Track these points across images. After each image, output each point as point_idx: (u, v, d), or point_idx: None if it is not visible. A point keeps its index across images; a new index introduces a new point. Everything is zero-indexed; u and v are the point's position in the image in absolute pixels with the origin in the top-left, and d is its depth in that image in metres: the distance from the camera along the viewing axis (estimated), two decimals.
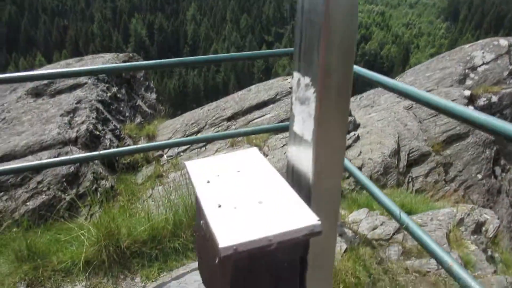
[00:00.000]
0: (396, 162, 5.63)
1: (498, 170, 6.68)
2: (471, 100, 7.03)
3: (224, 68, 72.92)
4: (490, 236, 4.88)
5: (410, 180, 5.66)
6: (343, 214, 4.27)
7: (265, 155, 4.98)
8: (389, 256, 3.62)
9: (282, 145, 5.08)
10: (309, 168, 1.27)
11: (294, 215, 1.12)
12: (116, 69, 3.77)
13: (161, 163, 5.46)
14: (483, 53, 8.03)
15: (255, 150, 1.52)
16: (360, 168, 5.44)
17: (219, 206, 1.16)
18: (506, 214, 6.61)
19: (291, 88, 6.29)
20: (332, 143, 1.29)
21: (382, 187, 5.40)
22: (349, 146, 5.87)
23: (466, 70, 7.38)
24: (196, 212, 1.44)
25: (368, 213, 4.26)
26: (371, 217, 4.12)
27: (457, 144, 6.42)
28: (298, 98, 1.38)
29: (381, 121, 6.60)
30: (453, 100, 6.93)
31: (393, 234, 3.88)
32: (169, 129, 6.05)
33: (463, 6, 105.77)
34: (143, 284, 3.33)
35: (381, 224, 4.03)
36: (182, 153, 5.51)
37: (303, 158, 1.31)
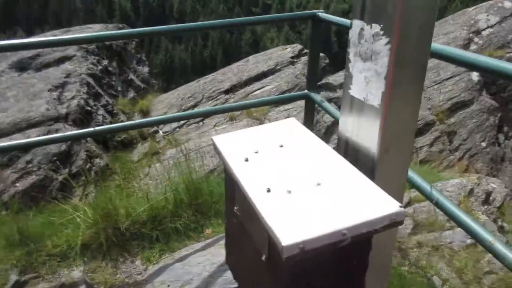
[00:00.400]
0: None
1: (501, 137, 6.53)
2: None
3: (211, 42, 71.40)
4: (498, 205, 4.76)
5: (415, 150, 5.49)
6: None
7: None
8: (401, 231, 3.47)
9: (283, 117, 4.85)
10: (375, 140, 1.03)
11: (367, 201, 0.88)
12: (116, 36, 3.47)
13: (157, 140, 5.22)
14: (487, 16, 7.75)
15: (293, 120, 1.30)
16: None
17: (268, 191, 0.92)
18: (509, 182, 6.52)
19: (291, 57, 6.01)
20: (406, 108, 1.04)
21: None
22: None
23: (471, 35, 7.12)
24: (227, 195, 1.22)
25: None
26: None
27: (462, 112, 6.24)
28: (359, 53, 1.11)
29: None
30: (455, 67, 6.70)
31: (404, 207, 3.73)
32: (164, 104, 5.78)
33: None
34: (144, 267, 3.16)
35: None
36: (178, 129, 5.27)
37: (366, 128, 1.07)
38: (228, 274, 2.84)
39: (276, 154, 1.09)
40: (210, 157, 4.12)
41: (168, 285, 2.85)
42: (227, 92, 5.36)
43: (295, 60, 5.76)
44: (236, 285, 2.78)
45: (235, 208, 1.12)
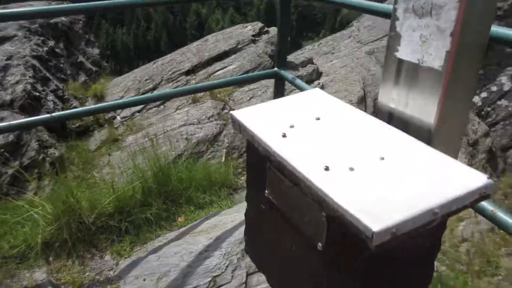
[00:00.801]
0: (364, 109, 5.46)
1: None
2: None
3: (154, 25, 68.77)
4: None
5: None
6: None
7: (232, 109, 4.59)
8: None
9: (248, 98, 4.70)
10: (433, 109, 0.90)
11: (448, 175, 0.76)
12: (55, 11, 3.11)
13: (115, 126, 4.90)
14: None
15: (318, 90, 1.15)
16: None
17: (327, 169, 0.77)
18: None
19: (253, 35, 5.83)
20: (470, 68, 0.90)
21: None
22: None
23: None
24: (251, 178, 1.06)
25: None
26: None
27: None
28: (412, 8, 0.94)
29: (344, 68, 6.36)
30: None
31: None
32: (119, 88, 5.43)
33: None
34: (115, 261, 2.95)
35: None
36: (138, 114, 4.97)
37: (420, 96, 0.93)
38: (208, 262, 2.70)
39: (316, 128, 0.94)
40: (175, 142, 3.91)
41: (144, 279, 2.66)
42: (187, 73, 5.11)
43: (257, 38, 5.59)
44: (218, 272, 2.65)
45: (266, 192, 0.97)
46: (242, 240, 2.82)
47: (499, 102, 7.29)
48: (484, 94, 7.31)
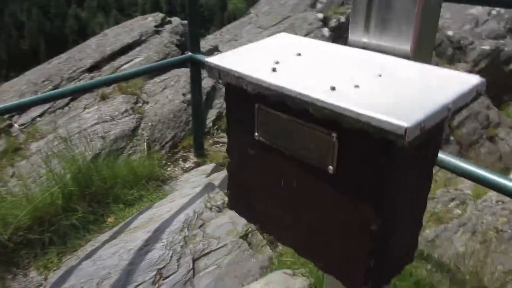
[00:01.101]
0: None
1: None
2: (324, 22, 7.37)
3: (28, 33, 62.62)
4: None
5: None
6: None
7: (145, 102, 4.40)
8: None
9: (161, 89, 4.55)
10: (408, 35, 0.91)
11: (446, 79, 0.79)
12: None
13: (13, 135, 4.41)
14: None
15: (285, 34, 1.12)
16: None
17: (333, 89, 0.76)
18: None
19: (155, 26, 5.62)
20: None
21: None
22: None
23: None
24: (234, 127, 1.00)
25: None
26: None
27: None
28: None
29: None
30: (309, 24, 7.18)
31: None
32: (11, 93, 4.88)
33: None
34: (42, 276, 2.68)
35: None
36: (38, 118, 4.53)
37: (394, 24, 0.93)
38: (151, 256, 2.58)
39: (302, 61, 0.93)
40: (90, 141, 3.64)
41: (82, 287, 2.46)
42: (91, 69, 4.76)
43: (160, 29, 5.42)
44: (163, 264, 2.54)
45: (256, 135, 0.94)
46: (183, 227, 2.74)
47: None
48: None
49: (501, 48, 11.73)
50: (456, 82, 0.75)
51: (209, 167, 3.57)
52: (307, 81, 0.80)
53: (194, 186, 3.15)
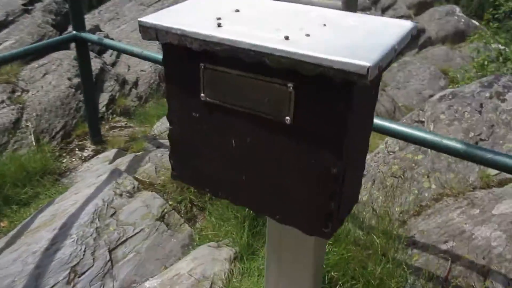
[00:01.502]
0: None
1: None
2: None
3: None
4: None
5: None
6: None
7: (24, 91, 3.92)
8: None
9: (42, 75, 4.08)
10: None
11: (385, 24, 0.82)
12: None
13: None
14: None
15: None
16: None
17: (287, 38, 0.72)
18: None
19: (23, 4, 4.97)
20: None
21: None
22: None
23: None
24: (175, 90, 0.92)
25: None
26: None
27: None
28: None
29: (135, 32, 6.12)
30: None
31: None
32: None
33: None
34: None
35: None
36: None
37: None
38: (61, 255, 2.37)
39: (244, 16, 0.88)
40: None
41: None
42: None
43: (30, 7, 4.81)
44: (76, 261, 2.35)
45: (202, 95, 0.89)
46: (93, 219, 2.55)
47: None
48: None
49: None
50: (395, 26, 0.81)
51: (110, 153, 3.36)
52: (258, 34, 0.78)
53: (98, 174, 2.94)
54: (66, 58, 4.26)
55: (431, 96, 11.96)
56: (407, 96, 11.68)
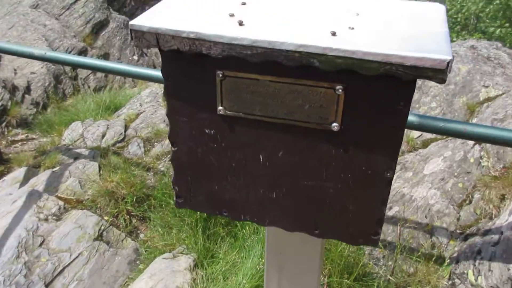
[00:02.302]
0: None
1: (146, 49, 6.97)
2: None
3: None
4: None
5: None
6: None
7: None
8: None
9: None
10: None
11: (417, 9, 0.73)
12: None
13: None
14: None
15: None
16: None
17: (334, 34, 0.60)
18: None
19: None
20: None
21: None
22: None
23: None
24: (184, 103, 0.73)
25: None
26: None
27: (103, 32, 6.17)
28: None
29: (14, 29, 5.36)
30: None
31: None
32: None
33: None
34: None
35: None
36: None
37: None
38: None
39: (258, 10, 0.73)
40: None
41: None
42: None
43: None
44: None
45: (220, 108, 0.73)
46: (19, 253, 2.21)
47: None
48: None
49: None
50: (433, 11, 0.75)
51: (19, 172, 2.92)
52: (298, 31, 0.66)
53: (12, 200, 2.54)
54: None
55: None
56: None
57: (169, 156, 3.43)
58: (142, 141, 3.46)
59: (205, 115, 0.76)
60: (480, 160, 2.48)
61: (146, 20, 0.72)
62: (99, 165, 2.93)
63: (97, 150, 3.20)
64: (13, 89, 4.16)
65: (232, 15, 0.72)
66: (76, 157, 3.13)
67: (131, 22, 0.72)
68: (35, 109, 4.16)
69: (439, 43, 0.62)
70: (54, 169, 2.83)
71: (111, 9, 6.59)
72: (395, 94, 0.65)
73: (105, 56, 5.83)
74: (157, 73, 2.12)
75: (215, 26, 0.68)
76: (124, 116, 3.81)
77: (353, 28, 0.66)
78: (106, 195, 2.55)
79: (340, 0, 0.80)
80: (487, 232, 2.11)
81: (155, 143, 3.50)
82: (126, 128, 3.58)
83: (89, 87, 5.07)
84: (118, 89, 5.38)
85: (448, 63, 0.58)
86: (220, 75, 0.72)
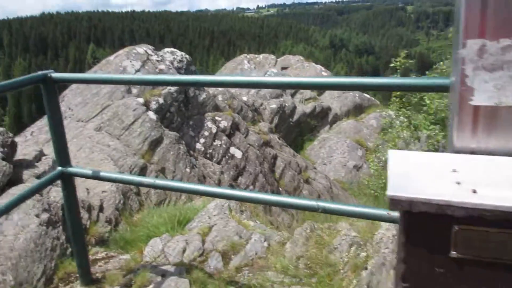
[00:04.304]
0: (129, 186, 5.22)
1: (195, 160, 7.39)
2: (146, 106, 7.36)
3: None
4: None
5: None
6: None
7: None
8: None
9: (5, 216, 3.64)
10: None
11: None
12: None
13: None
14: (131, 62, 8.48)
15: (393, 151, 1.10)
16: None
17: None
18: None
19: None
20: None
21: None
22: None
23: None
24: (410, 250, 0.94)
25: None
26: None
27: (159, 148, 6.65)
28: (482, 67, 1.07)
29: (82, 151, 5.86)
30: (134, 110, 7.04)
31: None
32: None
33: (3, 31, 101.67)
34: None
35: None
36: None
37: (502, 132, 1.06)
38: None
39: (471, 176, 0.97)
40: None
41: None
42: None
43: None
44: None
45: (453, 253, 0.93)
46: None
47: (214, 143, 8.50)
48: (202, 140, 8.34)
49: (283, 105, 13.99)
50: None
51: None
52: None
53: None
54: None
55: (355, 166, 12.82)
56: (334, 170, 12.49)
57: (248, 267, 3.52)
58: (219, 254, 3.59)
59: (437, 257, 0.96)
60: None
61: (397, 190, 0.95)
62: (189, 282, 3.04)
63: (181, 266, 3.33)
64: (89, 209, 4.45)
65: (458, 183, 0.95)
66: (163, 274, 3.26)
67: (390, 193, 0.95)
68: (109, 227, 4.39)
69: None
70: None
71: (163, 127, 7.19)
72: None
73: (162, 171, 6.22)
74: (221, 190, 2.34)
75: (455, 193, 0.91)
76: (197, 230, 3.99)
77: None
78: None
79: None
80: None
81: (232, 256, 3.62)
82: (203, 242, 3.74)
83: (151, 201, 5.35)
84: (175, 201, 5.65)
85: None
86: (456, 228, 0.93)
